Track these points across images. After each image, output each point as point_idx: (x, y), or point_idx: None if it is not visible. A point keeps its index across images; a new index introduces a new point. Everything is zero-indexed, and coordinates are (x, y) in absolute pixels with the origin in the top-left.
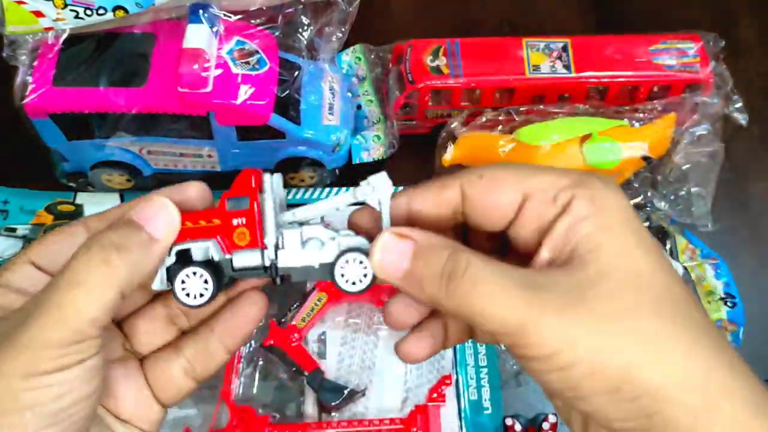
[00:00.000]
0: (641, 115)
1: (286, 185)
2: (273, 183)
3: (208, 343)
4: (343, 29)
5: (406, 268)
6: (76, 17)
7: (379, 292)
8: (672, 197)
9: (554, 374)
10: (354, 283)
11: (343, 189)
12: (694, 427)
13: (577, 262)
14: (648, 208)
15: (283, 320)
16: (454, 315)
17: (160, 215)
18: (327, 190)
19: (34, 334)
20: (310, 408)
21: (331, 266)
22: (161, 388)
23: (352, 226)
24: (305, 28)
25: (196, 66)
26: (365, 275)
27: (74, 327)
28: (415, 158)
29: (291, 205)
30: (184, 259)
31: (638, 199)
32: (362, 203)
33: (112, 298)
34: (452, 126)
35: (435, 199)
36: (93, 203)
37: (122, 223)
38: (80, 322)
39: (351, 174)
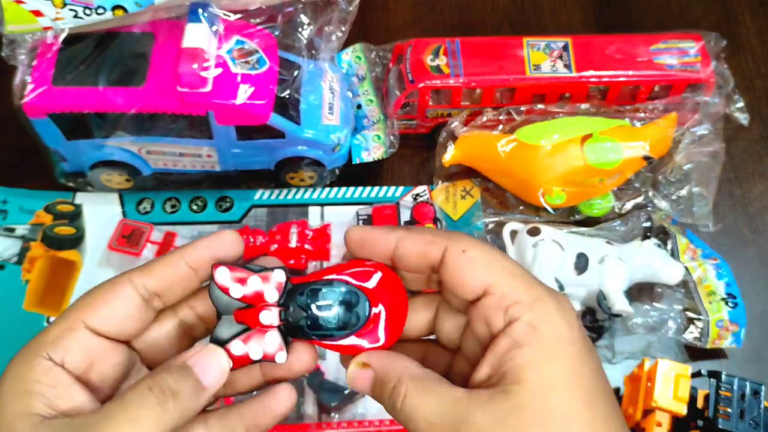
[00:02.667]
0: (642, 114)
1: (286, 185)
2: None
3: (234, 427)
4: (343, 28)
5: (369, 392)
6: (75, 16)
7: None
8: (673, 197)
9: None
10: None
11: (343, 189)
12: None
13: (501, 389)
14: (649, 208)
15: None
16: None
17: (212, 365)
18: (327, 190)
19: None
20: (310, 409)
21: None
22: None
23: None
24: (305, 27)
25: (195, 65)
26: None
27: None
28: (415, 158)
29: (292, 206)
30: None
31: (639, 199)
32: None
33: None
34: (452, 126)
35: (420, 251)
36: (92, 203)
37: (178, 367)
38: None
39: (351, 174)
